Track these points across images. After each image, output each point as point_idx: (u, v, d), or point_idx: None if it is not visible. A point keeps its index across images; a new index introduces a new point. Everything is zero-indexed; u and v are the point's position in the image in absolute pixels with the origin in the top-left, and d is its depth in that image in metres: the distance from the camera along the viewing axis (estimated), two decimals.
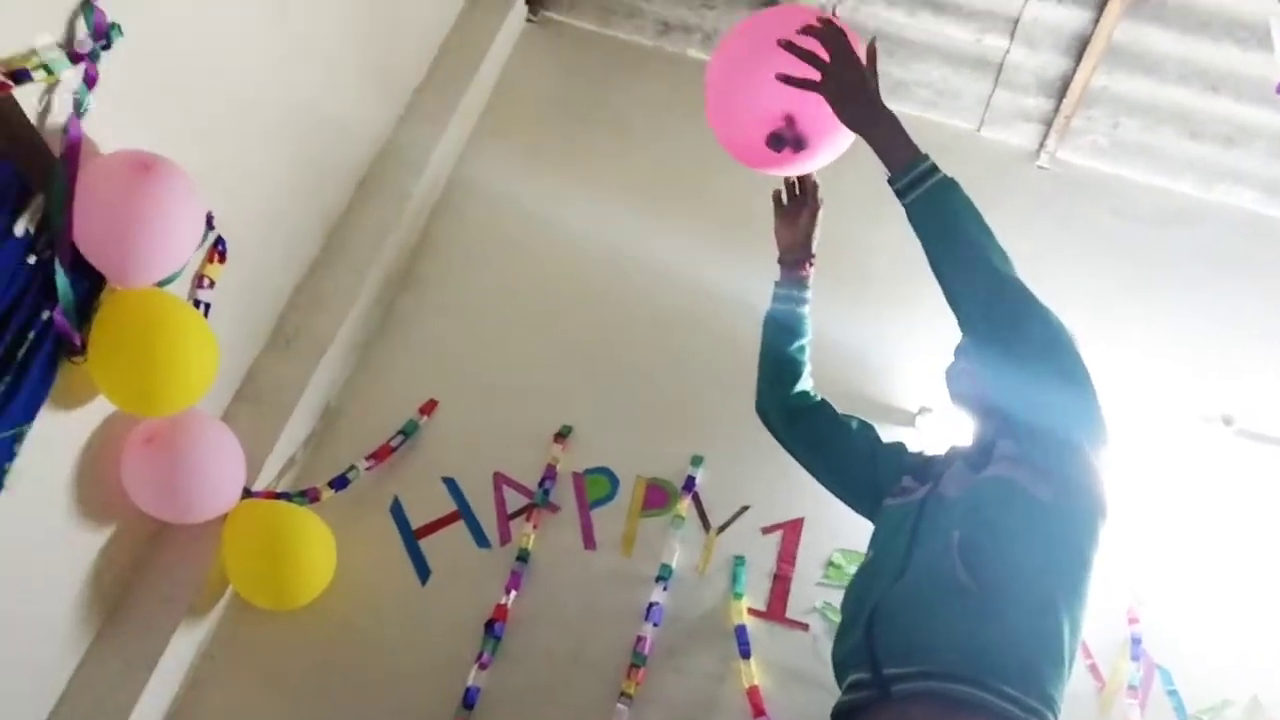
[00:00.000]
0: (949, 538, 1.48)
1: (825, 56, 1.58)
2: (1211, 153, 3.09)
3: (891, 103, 1.60)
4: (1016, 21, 2.98)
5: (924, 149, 1.59)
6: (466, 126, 3.17)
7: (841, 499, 1.88)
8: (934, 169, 1.57)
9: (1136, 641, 2.44)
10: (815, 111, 1.63)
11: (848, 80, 1.58)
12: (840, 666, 1.55)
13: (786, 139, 1.71)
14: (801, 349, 1.89)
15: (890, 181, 1.58)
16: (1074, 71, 3.00)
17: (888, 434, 1.88)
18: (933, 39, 3.10)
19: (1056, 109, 3.10)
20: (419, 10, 3.10)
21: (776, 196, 1.93)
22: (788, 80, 1.59)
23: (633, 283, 2.90)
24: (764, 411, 1.91)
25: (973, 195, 1.59)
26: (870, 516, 1.77)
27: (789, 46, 1.58)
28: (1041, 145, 3.19)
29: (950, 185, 1.57)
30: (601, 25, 3.41)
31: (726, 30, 3.23)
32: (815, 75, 1.58)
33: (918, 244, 1.58)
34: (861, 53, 1.63)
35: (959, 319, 1.59)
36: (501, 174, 3.08)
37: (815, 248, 1.91)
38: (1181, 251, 3.04)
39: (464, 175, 3.12)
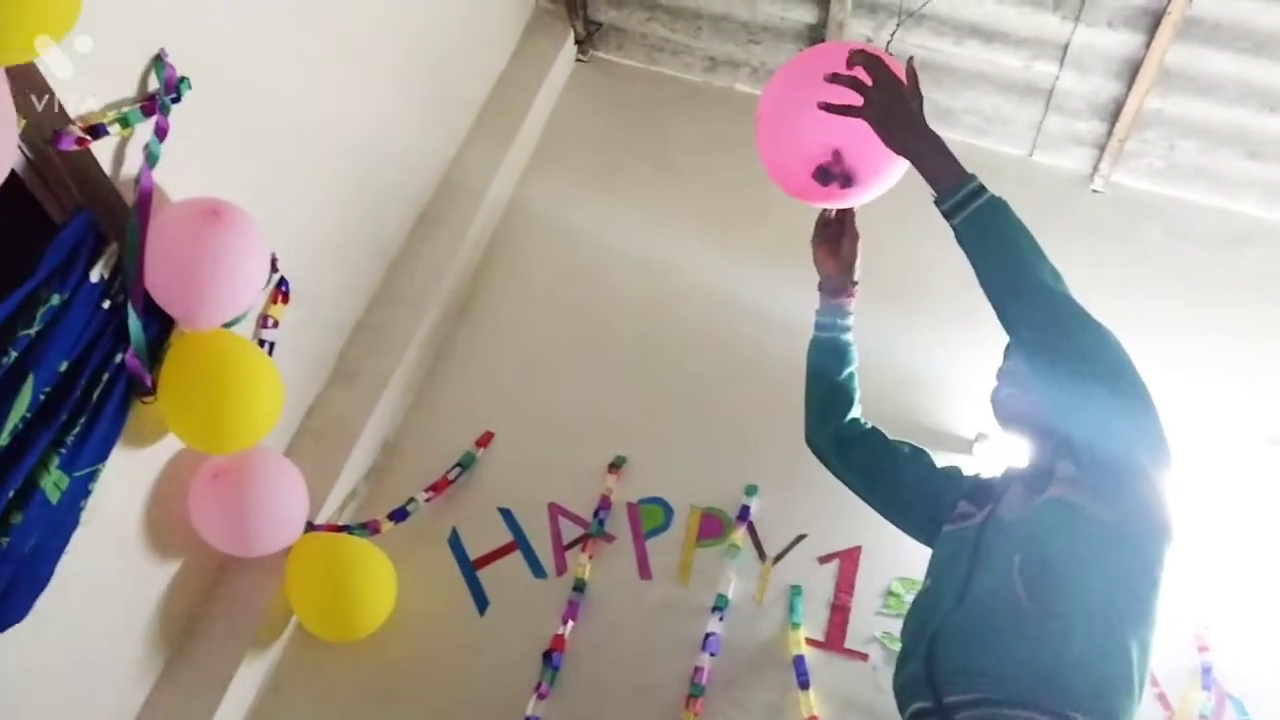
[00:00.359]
0: (1010, 562, 1.46)
1: (867, 82, 1.59)
2: (1272, 172, 3.04)
3: (941, 130, 1.58)
4: (1066, 47, 2.96)
5: (974, 174, 1.58)
6: (521, 162, 3.24)
7: (898, 526, 1.85)
8: (981, 189, 1.54)
9: (1207, 670, 2.38)
10: (863, 146, 1.63)
11: (890, 104, 1.56)
12: (901, 695, 1.53)
13: (834, 174, 1.71)
14: (851, 376, 1.88)
15: (937, 203, 1.55)
16: (1126, 95, 2.97)
17: (944, 462, 1.85)
18: (981, 67, 3.09)
19: (1110, 133, 3.07)
20: (474, 50, 3.17)
21: (819, 222, 1.92)
22: (829, 108, 1.59)
23: (685, 314, 2.92)
24: (814, 443, 1.89)
25: (1026, 220, 1.57)
26: (928, 543, 1.75)
27: (833, 78, 1.59)
28: (1095, 169, 3.16)
29: (999, 205, 1.54)
30: (649, 63, 3.46)
31: (772, 64, 3.28)
32: (858, 101, 1.59)
33: (969, 264, 1.57)
34: (902, 76, 1.63)
35: (1012, 339, 1.57)
36: (556, 208, 3.14)
37: (858, 274, 1.90)
38: (1242, 272, 2.99)
39: (519, 209, 3.18)
